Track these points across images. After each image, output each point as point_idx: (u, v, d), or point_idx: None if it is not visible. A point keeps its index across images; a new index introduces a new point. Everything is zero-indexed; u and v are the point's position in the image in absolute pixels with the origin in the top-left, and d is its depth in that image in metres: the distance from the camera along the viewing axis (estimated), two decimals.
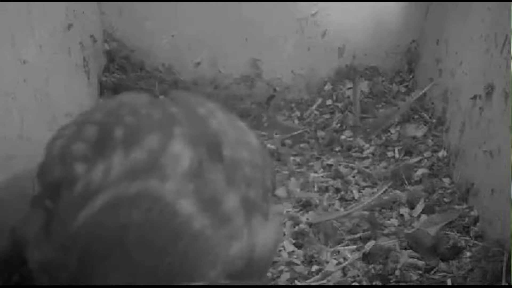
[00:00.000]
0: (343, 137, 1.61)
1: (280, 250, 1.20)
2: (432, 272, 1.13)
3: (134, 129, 0.71)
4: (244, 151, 0.76)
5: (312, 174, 1.46)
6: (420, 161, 1.47)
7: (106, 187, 0.66)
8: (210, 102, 0.86)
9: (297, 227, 1.26)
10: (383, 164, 1.49)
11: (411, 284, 1.09)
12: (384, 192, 1.38)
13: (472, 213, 1.26)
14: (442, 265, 1.14)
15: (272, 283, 1.12)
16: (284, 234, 1.25)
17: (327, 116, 1.71)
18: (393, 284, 1.10)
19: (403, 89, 1.77)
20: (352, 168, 1.48)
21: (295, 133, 1.65)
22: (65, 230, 0.67)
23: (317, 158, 1.54)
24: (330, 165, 1.50)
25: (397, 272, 1.11)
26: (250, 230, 0.72)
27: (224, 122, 0.78)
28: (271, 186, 0.83)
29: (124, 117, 0.73)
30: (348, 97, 1.73)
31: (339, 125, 1.65)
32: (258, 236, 0.74)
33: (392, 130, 1.61)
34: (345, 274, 1.14)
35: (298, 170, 1.49)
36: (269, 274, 1.12)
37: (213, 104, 0.85)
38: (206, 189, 0.68)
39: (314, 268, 1.15)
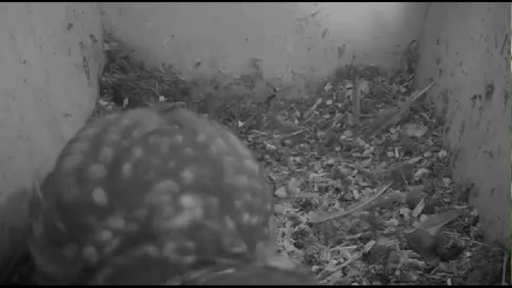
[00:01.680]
0: (343, 137, 1.61)
1: (280, 250, 1.20)
2: (432, 272, 1.12)
3: (141, 171, 0.71)
4: (244, 177, 0.77)
5: (312, 174, 1.46)
6: (420, 161, 1.47)
7: (104, 263, 0.66)
8: (210, 124, 0.87)
9: (297, 227, 1.26)
10: (383, 164, 1.49)
11: (411, 284, 1.09)
12: (384, 192, 1.38)
13: (472, 213, 1.25)
14: (442, 265, 1.14)
15: None
16: (284, 234, 1.25)
17: (327, 116, 1.71)
18: (393, 284, 1.10)
19: (403, 89, 1.77)
20: (352, 168, 1.48)
21: (295, 133, 1.65)
22: None
23: (317, 158, 1.54)
24: (330, 165, 1.50)
25: (397, 272, 1.11)
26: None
27: (223, 148, 0.79)
28: (271, 208, 0.83)
29: (133, 148, 0.74)
30: (348, 97, 1.73)
31: (339, 125, 1.65)
32: None
33: (392, 130, 1.61)
34: (345, 274, 1.14)
35: (298, 170, 1.49)
36: None
37: (213, 127, 0.86)
38: (208, 243, 0.68)
39: (314, 268, 1.15)
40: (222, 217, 0.71)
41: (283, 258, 0.53)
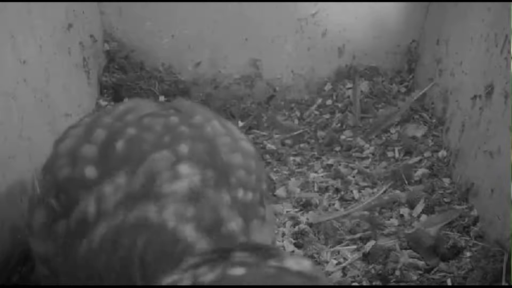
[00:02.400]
0: (343, 137, 1.61)
1: None
2: (432, 272, 1.12)
3: (135, 145, 0.72)
4: (239, 156, 0.78)
5: (312, 174, 1.46)
6: (420, 161, 1.47)
7: (103, 217, 0.66)
8: (207, 110, 0.89)
9: (297, 227, 1.26)
10: (383, 164, 1.49)
11: (411, 284, 1.09)
12: (384, 192, 1.38)
13: (472, 213, 1.26)
14: (442, 265, 1.14)
15: None
16: (284, 234, 1.25)
17: (327, 116, 1.71)
18: (393, 284, 1.10)
19: (403, 89, 1.77)
20: (352, 168, 1.48)
21: (295, 133, 1.65)
22: (66, 260, 0.67)
23: (317, 158, 1.54)
24: (330, 165, 1.50)
25: (397, 272, 1.11)
26: (248, 236, 0.73)
27: (219, 129, 0.81)
28: (266, 189, 0.84)
29: (127, 128, 0.75)
30: (348, 97, 1.73)
31: (339, 125, 1.65)
32: (255, 240, 0.74)
33: (392, 130, 1.61)
34: (345, 274, 1.14)
35: (298, 170, 1.49)
36: None
37: (209, 111, 0.88)
38: (207, 212, 0.69)
39: None
40: (218, 189, 0.72)
41: (299, 258, 0.53)
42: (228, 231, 0.70)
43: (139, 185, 0.68)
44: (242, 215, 0.73)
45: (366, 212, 1.30)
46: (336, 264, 1.16)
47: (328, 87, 1.79)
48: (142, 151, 0.71)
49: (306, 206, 1.34)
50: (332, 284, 1.11)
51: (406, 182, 1.39)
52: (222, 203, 0.71)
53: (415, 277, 1.11)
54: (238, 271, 0.50)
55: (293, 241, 1.23)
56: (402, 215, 1.30)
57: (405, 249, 1.19)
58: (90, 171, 0.70)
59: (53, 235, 0.70)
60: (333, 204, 1.35)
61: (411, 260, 1.15)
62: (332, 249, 1.20)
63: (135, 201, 0.66)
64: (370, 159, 1.51)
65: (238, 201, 0.74)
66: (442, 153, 1.48)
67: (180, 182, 0.69)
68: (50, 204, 0.72)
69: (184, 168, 0.71)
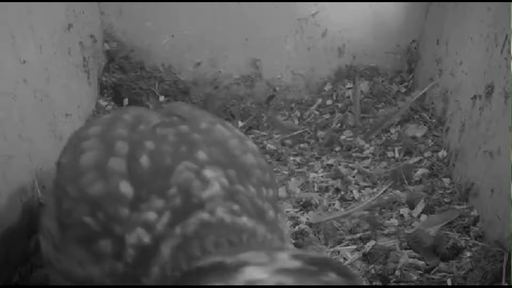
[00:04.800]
0: (343, 137, 1.61)
1: None
2: (432, 272, 1.12)
3: (157, 160, 0.73)
4: (251, 156, 0.81)
5: (312, 174, 1.46)
6: (420, 161, 1.47)
7: (162, 241, 0.66)
8: (205, 113, 0.91)
9: (297, 227, 1.26)
10: (383, 164, 1.49)
11: (411, 284, 1.09)
12: (384, 192, 1.38)
13: (472, 213, 1.25)
14: (442, 265, 1.13)
15: None
16: None
17: (327, 116, 1.71)
18: (393, 284, 1.10)
19: (403, 89, 1.77)
20: (352, 168, 1.48)
21: (295, 133, 1.65)
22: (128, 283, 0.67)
23: (317, 158, 1.54)
24: (330, 165, 1.50)
25: (397, 272, 1.11)
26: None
27: (225, 132, 0.83)
28: (277, 184, 0.87)
29: (145, 140, 0.76)
30: (348, 97, 1.73)
31: (339, 125, 1.65)
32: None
33: (392, 130, 1.61)
34: None
35: (298, 170, 1.49)
36: None
37: (208, 115, 0.90)
38: (248, 204, 0.71)
39: None
40: (245, 184, 0.74)
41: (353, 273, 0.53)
42: (271, 219, 0.74)
43: (178, 201, 0.69)
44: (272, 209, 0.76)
45: (366, 212, 1.30)
46: None
47: (328, 87, 1.79)
48: (166, 166, 0.73)
49: (306, 206, 1.34)
50: None
51: (406, 182, 1.39)
52: (255, 195, 0.74)
53: (415, 277, 1.11)
54: (287, 280, 0.50)
55: (293, 241, 1.23)
56: (402, 215, 1.30)
57: (405, 249, 1.19)
58: (125, 187, 0.70)
59: (95, 256, 0.69)
60: (333, 204, 1.35)
61: (411, 260, 1.15)
62: (332, 249, 1.20)
63: (184, 215, 0.68)
64: (370, 159, 1.51)
65: (263, 198, 0.77)
66: (442, 153, 1.48)
67: (212, 187, 0.71)
68: (85, 222, 0.70)
69: (209, 173, 0.72)
